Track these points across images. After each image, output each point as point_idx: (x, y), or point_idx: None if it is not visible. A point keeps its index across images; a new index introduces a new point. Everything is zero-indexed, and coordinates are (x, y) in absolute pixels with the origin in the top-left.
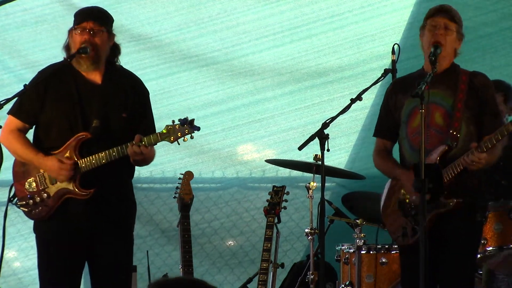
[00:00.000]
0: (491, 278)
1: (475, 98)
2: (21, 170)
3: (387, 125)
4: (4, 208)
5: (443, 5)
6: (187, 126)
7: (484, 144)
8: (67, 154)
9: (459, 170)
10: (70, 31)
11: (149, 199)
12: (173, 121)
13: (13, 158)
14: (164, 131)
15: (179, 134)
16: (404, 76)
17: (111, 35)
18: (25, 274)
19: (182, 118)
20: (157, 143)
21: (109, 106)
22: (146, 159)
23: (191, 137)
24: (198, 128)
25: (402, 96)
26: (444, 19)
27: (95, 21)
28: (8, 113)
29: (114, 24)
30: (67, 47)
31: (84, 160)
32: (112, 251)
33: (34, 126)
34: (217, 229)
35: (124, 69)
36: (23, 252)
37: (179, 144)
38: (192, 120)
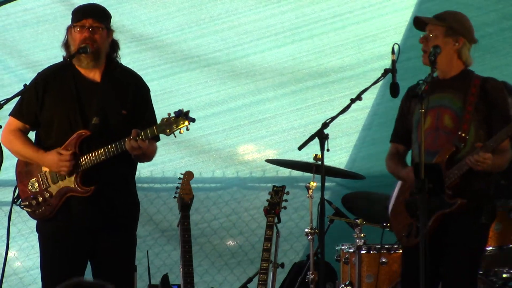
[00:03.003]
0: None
1: (485, 101)
2: (23, 171)
3: (400, 129)
4: (4, 208)
5: (438, 13)
6: (182, 118)
7: (490, 143)
8: None
9: (464, 171)
10: (69, 29)
11: (149, 199)
12: (169, 114)
13: (14, 158)
14: (160, 124)
15: (174, 127)
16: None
17: (109, 31)
18: (26, 274)
19: (177, 110)
20: (158, 140)
21: (108, 104)
22: (146, 154)
23: (187, 129)
24: (193, 120)
25: (416, 101)
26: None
27: (94, 18)
28: (9, 114)
29: (115, 25)
30: (66, 45)
31: (84, 157)
32: (114, 250)
33: (36, 127)
34: (217, 229)
35: (124, 66)
36: (24, 252)
37: (175, 136)
38: (187, 112)
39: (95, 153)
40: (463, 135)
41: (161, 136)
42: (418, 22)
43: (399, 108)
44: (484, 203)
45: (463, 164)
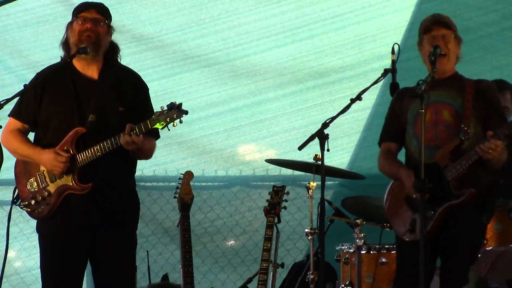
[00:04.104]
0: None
1: (481, 100)
2: (22, 171)
3: (391, 128)
4: (5, 207)
5: (434, 15)
6: (175, 111)
7: (501, 131)
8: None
9: (473, 161)
10: (68, 25)
11: (152, 198)
12: (162, 107)
13: (14, 158)
14: (153, 118)
15: (168, 119)
16: (409, 87)
17: (110, 28)
18: (28, 274)
19: (169, 103)
20: (157, 137)
21: (105, 101)
22: (142, 150)
23: (180, 122)
24: (186, 112)
25: (408, 100)
26: (440, 29)
27: (96, 10)
28: (9, 115)
29: (115, 25)
30: (65, 43)
31: (80, 154)
32: (113, 248)
33: (36, 127)
34: (220, 228)
35: (122, 65)
36: (26, 251)
37: (169, 129)
38: (180, 104)
39: (91, 150)
40: (466, 128)
41: (163, 136)
42: (438, 22)
43: (389, 108)
44: (488, 200)
45: (472, 154)
